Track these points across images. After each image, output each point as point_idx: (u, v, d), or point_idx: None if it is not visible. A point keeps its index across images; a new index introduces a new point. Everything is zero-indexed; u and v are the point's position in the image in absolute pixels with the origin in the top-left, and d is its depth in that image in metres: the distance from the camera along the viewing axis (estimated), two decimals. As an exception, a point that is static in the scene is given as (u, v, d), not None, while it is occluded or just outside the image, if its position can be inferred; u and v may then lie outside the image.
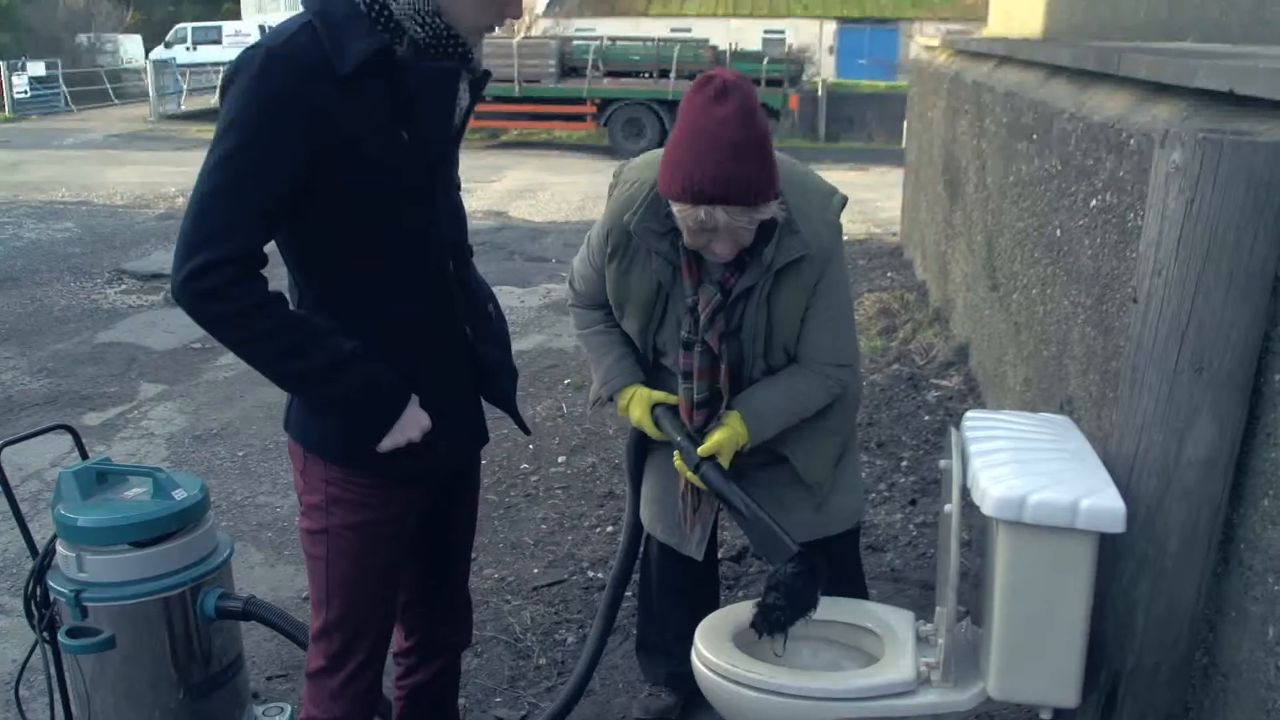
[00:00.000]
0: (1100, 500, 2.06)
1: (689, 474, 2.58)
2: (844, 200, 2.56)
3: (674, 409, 2.63)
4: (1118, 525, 2.05)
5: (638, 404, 2.65)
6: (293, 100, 1.89)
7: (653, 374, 2.71)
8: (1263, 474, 2.05)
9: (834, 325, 2.56)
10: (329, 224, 2.03)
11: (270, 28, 2.11)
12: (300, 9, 2.00)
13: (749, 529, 2.51)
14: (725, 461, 2.54)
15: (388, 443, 2.11)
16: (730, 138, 2.24)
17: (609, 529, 4.38)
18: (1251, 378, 2.06)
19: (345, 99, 1.92)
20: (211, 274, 1.91)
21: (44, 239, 10.72)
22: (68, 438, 2.97)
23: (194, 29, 37.21)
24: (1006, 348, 4.78)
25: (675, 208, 2.34)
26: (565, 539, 4.34)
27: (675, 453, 2.63)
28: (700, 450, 2.54)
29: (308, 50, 1.91)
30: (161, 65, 28.17)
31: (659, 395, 2.65)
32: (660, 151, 2.46)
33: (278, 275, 2.06)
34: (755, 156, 2.26)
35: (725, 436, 2.52)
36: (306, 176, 1.94)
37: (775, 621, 2.46)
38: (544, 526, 4.46)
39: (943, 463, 2.49)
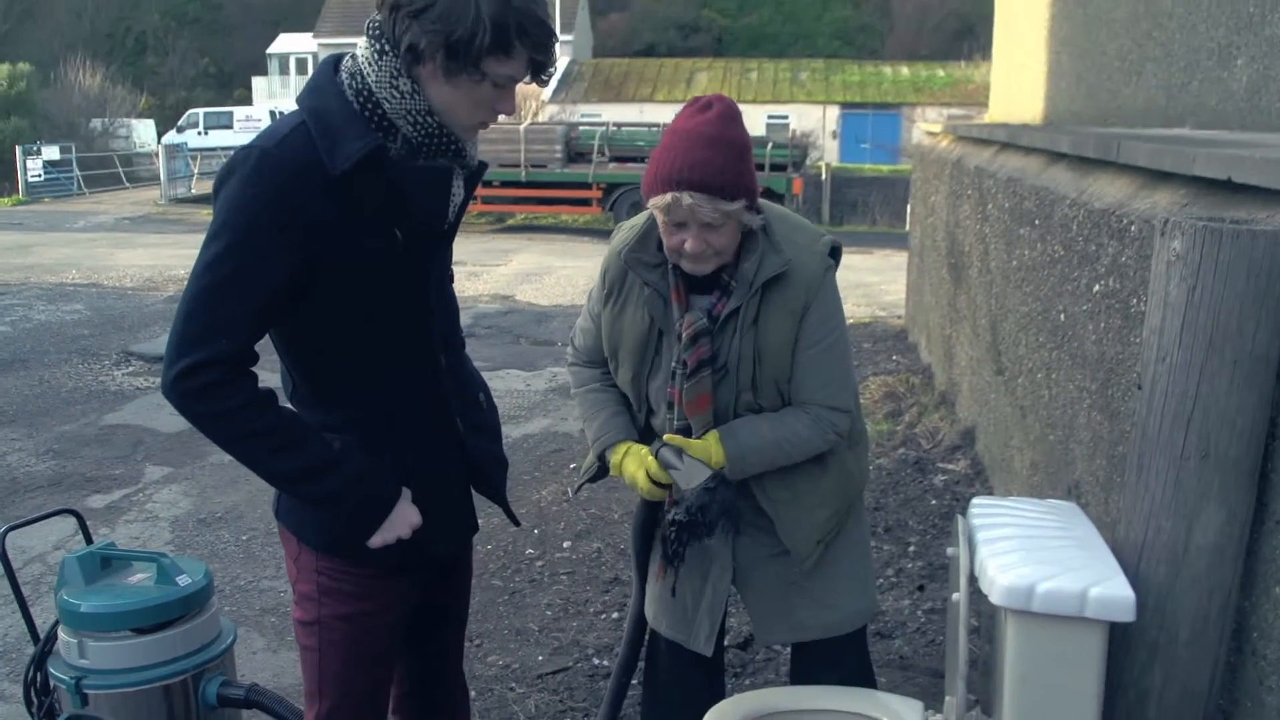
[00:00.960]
0: (1109, 588, 2.04)
1: (649, 460, 2.50)
2: (834, 242, 2.54)
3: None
4: (1128, 614, 2.03)
5: (632, 459, 2.57)
6: (285, 202, 1.90)
7: (644, 435, 2.67)
8: (1273, 561, 2.04)
9: (825, 361, 2.51)
10: (322, 320, 2.04)
11: (279, 114, 2.13)
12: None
13: (682, 477, 2.45)
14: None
15: (377, 540, 2.11)
16: (705, 132, 2.32)
17: (614, 615, 4.34)
18: (1258, 464, 2.06)
19: (338, 200, 1.94)
20: (201, 373, 1.92)
21: (53, 320, 10.80)
22: (72, 520, 2.97)
23: (206, 114, 37.80)
24: (1013, 432, 4.77)
25: (651, 205, 2.39)
26: (570, 625, 4.30)
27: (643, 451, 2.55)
28: (665, 438, 2.49)
29: (301, 151, 1.93)
30: (173, 149, 28.56)
31: (644, 449, 2.57)
32: (642, 217, 2.56)
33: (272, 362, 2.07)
34: (727, 151, 2.32)
35: (697, 444, 2.47)
36: (298, 276, 1.95)
37: (672, 543, 2.57)
38: (549, 613, 4.42)
39: (950, 550, 2.48)
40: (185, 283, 1.97)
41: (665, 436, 2.51)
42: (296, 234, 1.91)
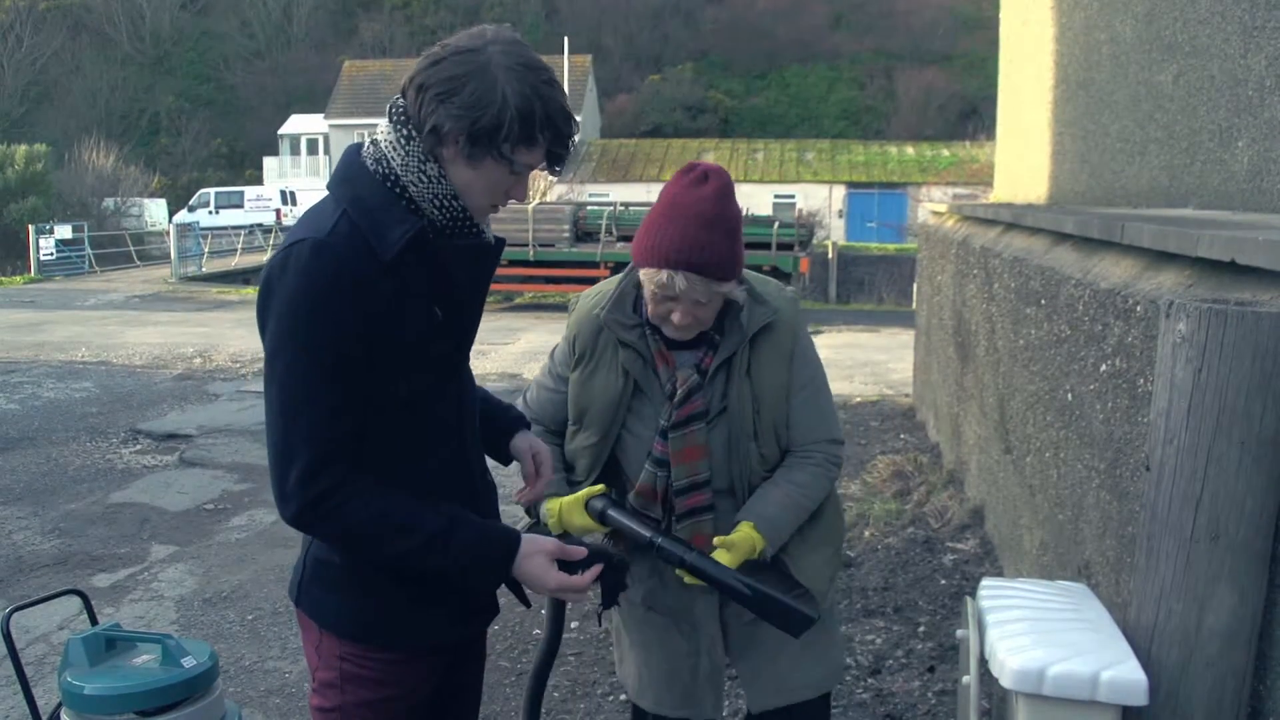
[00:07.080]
0: (1121, 672, 2.03)
1: (681, 571, 2.40)
2: (793, 291, 2.63)
3: (616, 500, 2.52)
4: (1140, 698, 2.01)
5: (570, 508, 2.52)
6: (343, 288, 1.90)
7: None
8: (1286, 645, 2.02)
9: (816, 400, 2.59)
10: (364, 402, 2.02)
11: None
12: (325, 189, 2.06)
13: (759, 609, 2.35)
14: (733, 564, 2.40)
15: (582, 579, 2.10)
16: (704, 211, 2.35)
17: (622, 697, 4.29)
18: (1269, 546, 2.05)
19: (387, 283, 1.95)
20: (317, 481, 1.93)
21: (62, 398, 10.82)
22: (77, 600, 2.96)
23: (217, 194, 38.29)
24: (1021, 511, 4.75)
25: (642, 273, 2.42)
26: (578, 707, 4.26)
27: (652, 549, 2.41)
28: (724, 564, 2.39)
29: (350, 239, 1.93)
30: (184, 228, 28.81)
31: (583, 493, 2.52)
32: (611, 281, 2.64)
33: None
34: (724, 233, 2.36)
35: (737, 540, 2.41)
36: (363, 356, 1.96)
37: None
38: (556, 694, 4.37)
39: (960, 632, 2.46)
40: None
41: (716, 538, 2.43)
42: (354, 317, 1.92)
